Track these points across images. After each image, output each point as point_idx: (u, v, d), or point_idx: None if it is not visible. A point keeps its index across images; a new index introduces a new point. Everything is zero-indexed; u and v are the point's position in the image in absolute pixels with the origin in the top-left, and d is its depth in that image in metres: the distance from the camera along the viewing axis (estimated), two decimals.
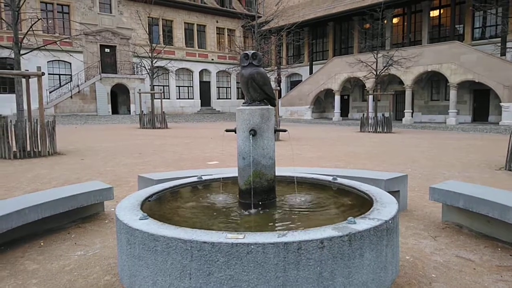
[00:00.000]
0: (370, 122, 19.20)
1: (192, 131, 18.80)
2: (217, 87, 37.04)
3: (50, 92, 27.58)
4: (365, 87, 26.40)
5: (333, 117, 29.75)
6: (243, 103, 2.81)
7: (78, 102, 27.50)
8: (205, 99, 36.08)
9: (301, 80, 33.80)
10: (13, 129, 8.71)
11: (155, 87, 26.57)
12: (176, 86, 33.79)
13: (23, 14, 17.33)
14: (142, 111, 19.69)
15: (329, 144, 13.17)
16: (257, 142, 2.72)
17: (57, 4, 28.08)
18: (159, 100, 22.80)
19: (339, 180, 3.38)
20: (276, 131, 2.84)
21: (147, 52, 23.82)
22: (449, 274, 2.99)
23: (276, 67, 33.81)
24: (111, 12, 30.41)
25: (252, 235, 2.00)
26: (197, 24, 35.09)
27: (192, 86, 35.22)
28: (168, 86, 33.26)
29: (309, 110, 31.45)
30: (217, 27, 36.30)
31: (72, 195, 3.93)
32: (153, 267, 2.09)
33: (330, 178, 3.44)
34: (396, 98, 27.41)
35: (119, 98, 30.05)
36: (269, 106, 2.78)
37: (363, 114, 19.89)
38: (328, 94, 31.12)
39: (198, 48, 35.47)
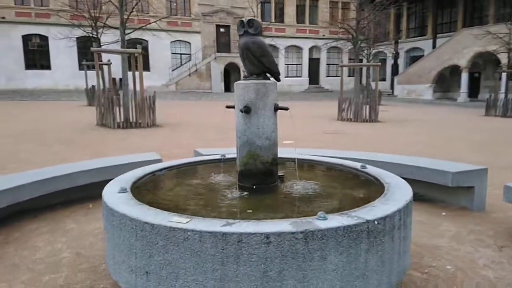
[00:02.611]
0: (498, 104, 16.41)
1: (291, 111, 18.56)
2: (327, 64, 35.97)
3: (172, 70, 30.34)
4: (500, 63, 22.55)
5: (459, 97, 26.34)
6: (243, 77, 2.59)
7: (195, 80, 29.72)
8: (314, 77, 35.44)
9: (423, 55, 30.58)
10: (116, 102, 9.83)
11: None
12: (285, 64, 33.86)
13: None
14: None
15: (436, 128, 11.68)
16: (252, 120, 2.49)
17: None
18: None
19: (369, 168, 2.93)
20: (277, 109, 2.55)
21: None
22: None
23: (393, 41, 31.22)
24: None
25: (197, 221, 1.84)
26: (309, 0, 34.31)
27: (301, 64, 34.89)
28: (277, 64, 33.50)
29: (429, 89, 28.44)
30: (330, 1, 34.93)
31: (120, 164, 4.21)
32: (112, 241, 2.10)
33: (358, 166, 3.01)
34: None
35: (231, 77, 31.49)
36: (266, 81, 2.50)
37: (490, 95, 17.09)
38: (454, 71, 27.53)
39: (309, 24, 34.74)
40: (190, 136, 8.88)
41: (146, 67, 29.67)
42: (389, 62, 33.78)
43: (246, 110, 2.44)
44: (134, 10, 10.21)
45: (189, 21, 30.78)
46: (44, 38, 27.38)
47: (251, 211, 2.26)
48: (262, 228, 1.75)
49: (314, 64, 35.57)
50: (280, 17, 33.47)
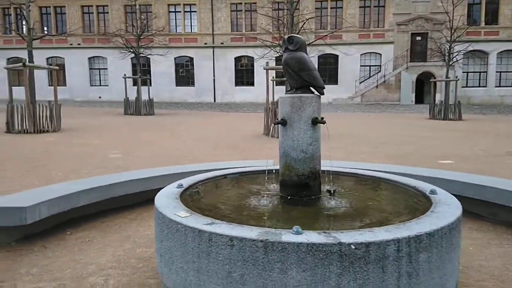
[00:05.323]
0: None
1: (486, 126, 15.57)
2: None
3: (360, 83, 30.23)
4: None
5: None
6: (286, 92, 2.69)
7: (382, 91, 28.72)
8: None
9: None
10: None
11: (470, 73, 23.75)
12: (497, 71, 28.75)
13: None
14: (435, 100, 18.38)
15: None
16: (287, 132, 2.57)
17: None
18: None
19: (438, 194, 2.51)
20: (316, 122, 2.53)
21: (445, 37, 21.70)
22: None
23: None
24: None
25: (192, 218, 2.11)
26: None
27: None
28: (486, 72, 28.80)
29: None
30: None
31: (232, 167, 4.73)
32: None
33: (428, 189, 2.61)
34: None
35: (425, 87, 28.97)
36: (303, 94, 2.51)
37: None
38: None
39: None
40: (340, 148, 8.86)
41: (334, 81, 30.53)
42: None
43: (282, 122, 2.54)
44: (302, 28, 10.93)
45: (381, 32, 30.05)
46: (251, 59, 31.69)
47: (266, 218, 2.36)
48: (229, 231, 1.88)
49: None
50: (493, 18, 28.85)
